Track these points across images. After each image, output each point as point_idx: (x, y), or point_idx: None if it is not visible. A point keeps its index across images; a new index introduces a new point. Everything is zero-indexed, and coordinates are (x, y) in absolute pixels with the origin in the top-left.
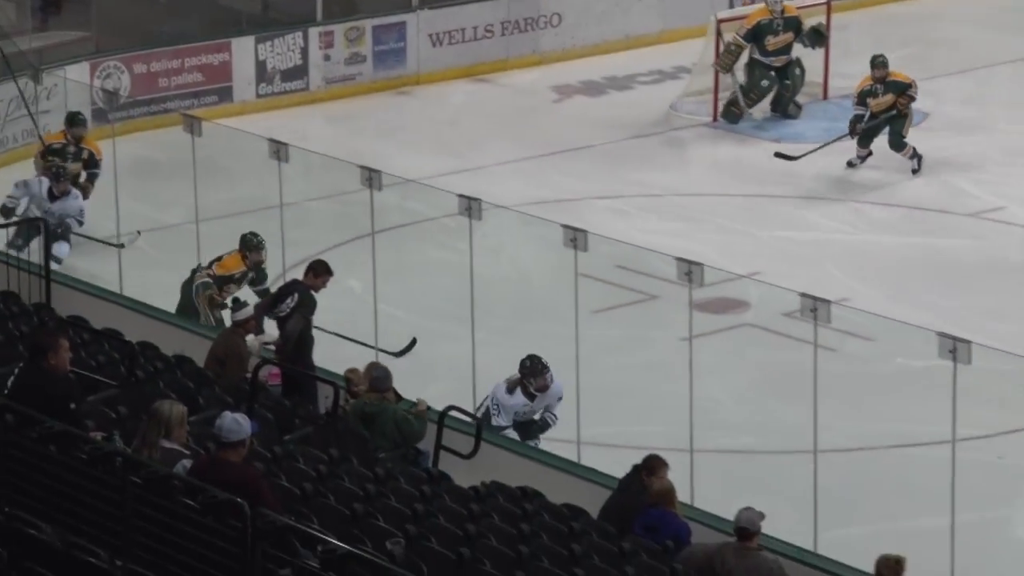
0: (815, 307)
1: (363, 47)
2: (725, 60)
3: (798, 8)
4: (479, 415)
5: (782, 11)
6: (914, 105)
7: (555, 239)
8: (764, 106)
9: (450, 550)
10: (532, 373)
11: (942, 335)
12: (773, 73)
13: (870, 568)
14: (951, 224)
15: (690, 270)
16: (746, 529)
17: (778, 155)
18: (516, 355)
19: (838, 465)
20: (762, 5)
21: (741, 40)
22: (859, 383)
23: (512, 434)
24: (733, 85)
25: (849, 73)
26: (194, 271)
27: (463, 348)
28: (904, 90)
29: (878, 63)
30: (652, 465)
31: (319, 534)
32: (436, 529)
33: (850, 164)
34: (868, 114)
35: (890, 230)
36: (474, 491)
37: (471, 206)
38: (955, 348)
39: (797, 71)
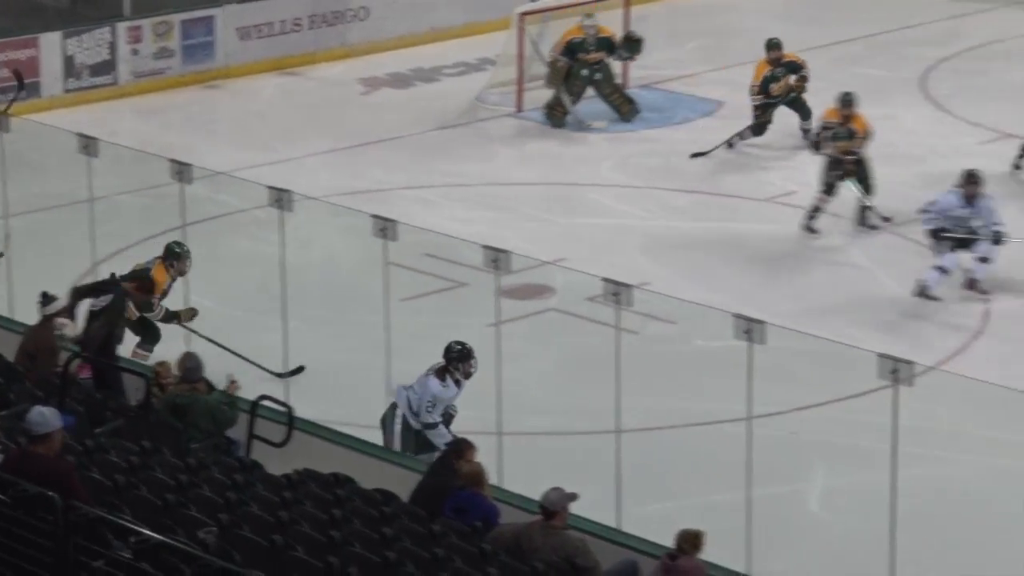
0: (617, 292)
1: (171, 41)
2: (553, 79)
3: (594, 1)
4: (398, 420)
5: (596, 31)
6: (709, 95)
7: (364, 229)
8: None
9: (263, 537)
10: (462, 358)
11: (737, 316)
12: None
13: (671, 543)
14: (746, 209)
15: (497, 258)
16: (551, 509)
17: (695, 155)
18: (328, 343)
19: (641, 444)
20: (575, 24)
21: (560, 58)
22: (661, 364)
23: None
24: (559, 92)
25: (646, 63)
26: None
27: (276, 337)
28: (798, 70)
29: (773, 45)
30: (461, 448)
31: (132, 525)
32: (249, 517)
33: (730, 145)
34: (768, 103)
35: (687, 216)
36: (286, 479)
37: (281, 197)
38: (750, 329)
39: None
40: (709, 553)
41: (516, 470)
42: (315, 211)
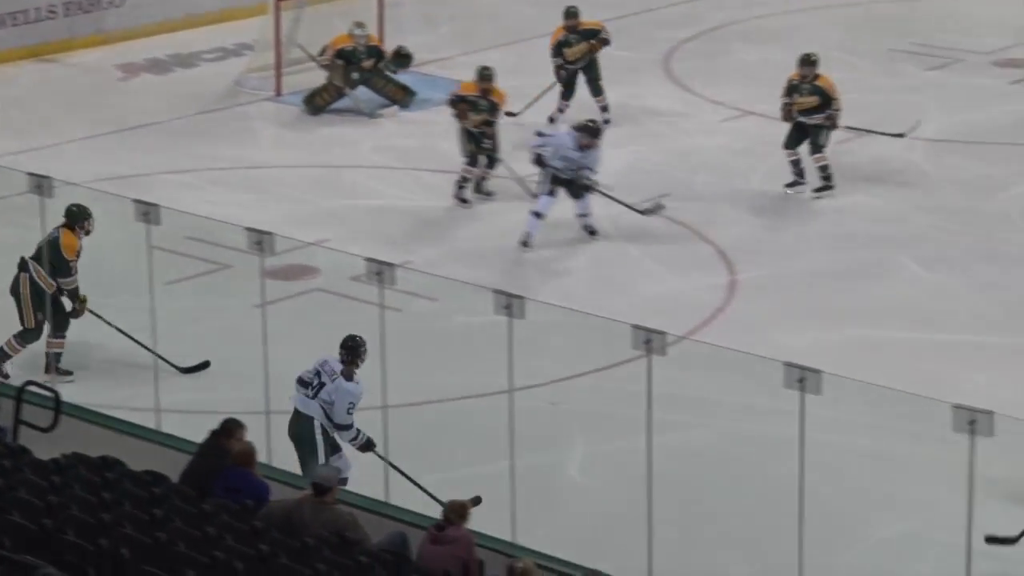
0: (380, 271)
1: None
2: (335, 75)
3: None
4: (318, 431)
5: (366, 40)
6: (463, 77)
7: (127, 214)
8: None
9: (32, 522)
10: (358, 354)
11: (497, 292)
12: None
13: (437, 514)
14: (504, 187)
15: (260, 239)
16: (321, 485)
17: (509, 114)
18: (94, 327)
19: (408, 419)
20: (345, 33)
21: (336, 60)
22: (425, 341)
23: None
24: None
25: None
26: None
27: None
28: (595, 35)
29: (571, 13)
30: (230, 428)
31: None
32: (17, 503)
33: (551, 120)
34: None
35: (446, 195)
36: (54, 463)
37: (41, 184)
38: (510, 304)
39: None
40: (475, 522)
41: (285, 449)
42: (76, 197)
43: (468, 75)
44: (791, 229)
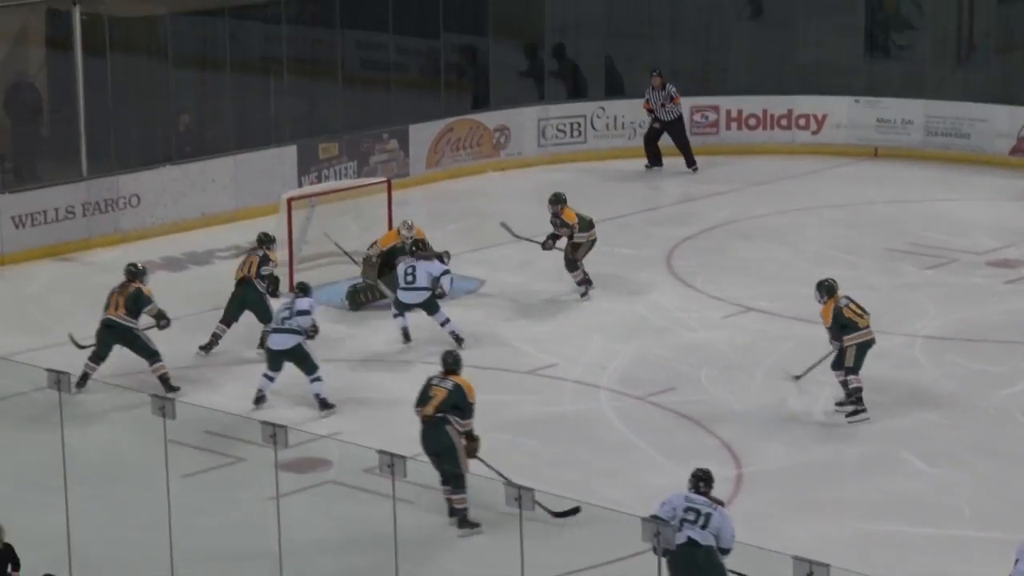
0: (392, 462)
1: None
2: (367, 271)
3: (356, 187)
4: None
5: (412, 236)
6: (471, 273)
7: (144, 408)
8: None
9: None
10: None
11: (507, 483)
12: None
13: None
14: (510, 381)
15: (274, 432)
16: None
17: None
18: (110, 520)
19: None
20: (394, 230)
21: (374, 255)
22: (437, 533)
23: None
24: (372, 281)
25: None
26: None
27: (60, 518)
28: (570, 230)
29: (556, 199)
30: None
31: None
32: None
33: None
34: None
35: None
36: None
37: (60, 380)
38: (520, 496)
39: None
40: None
41: None
42: (96, 392)
43: (480, 271)
44: (796, 423)
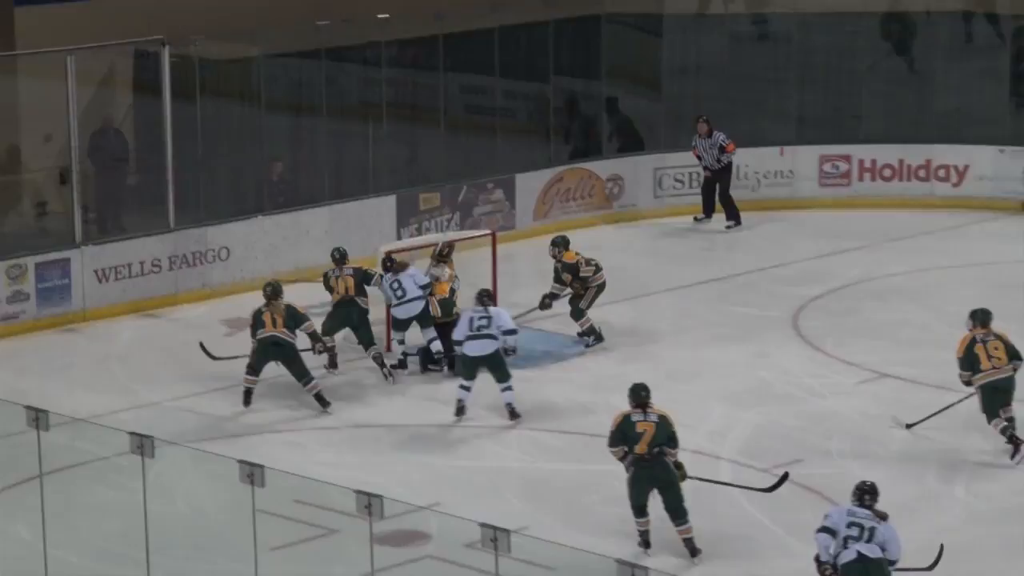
0: (495, 537)
1: (25, 284)
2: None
3: (460, 240)
4: None
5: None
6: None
7: (231, 475)
8: None
9: None
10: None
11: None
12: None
13: None
14: None
15: (369, 502)
16: None
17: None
18: None
19: None
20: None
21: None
22: None
23: None
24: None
25: (519, 302)
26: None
27: None
28: (575, 272)
29: (557, 242)
30: None
31: None
32: None
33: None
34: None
35: (566, 457)
36: None
37: (143, 444)
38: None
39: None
40: None
41: None
42: (178, 457)
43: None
44: (935, 498)
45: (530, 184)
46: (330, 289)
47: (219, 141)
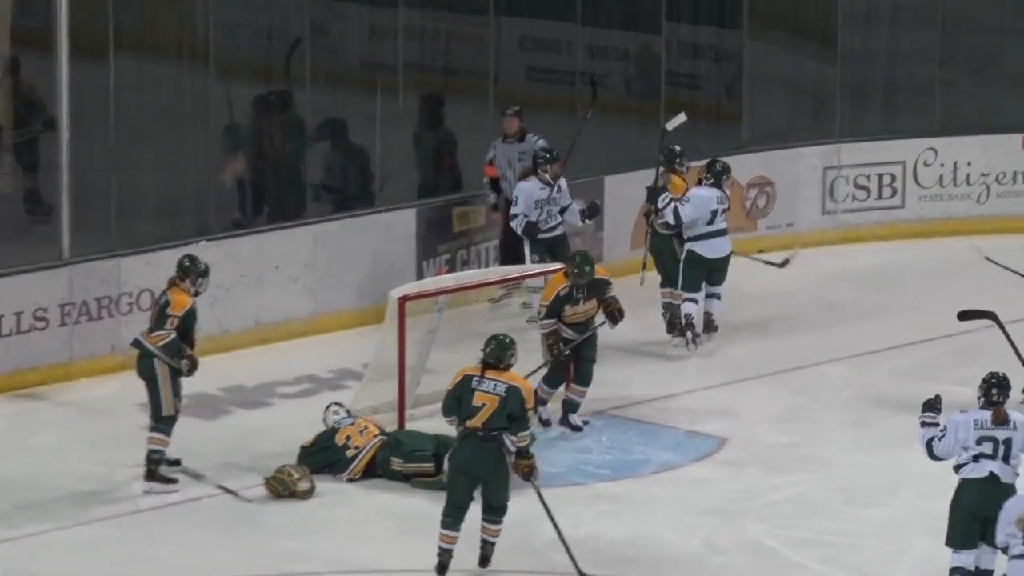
0: None
1: None
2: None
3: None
4: None
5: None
6: (712, 424)
7: None
8: None
9: None
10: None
11: None
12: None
13: None
14: None
15: None
16: None
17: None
18: None
19: None
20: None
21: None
22: None
23: None
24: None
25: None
26: None
27: None
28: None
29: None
30: None
31: None
32: None
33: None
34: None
35: None
36: None
37: None
38: None
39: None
40: None
41: None
42: None
43: (722, 424)
44: None
45: (627, 191)
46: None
47: (142, 124)
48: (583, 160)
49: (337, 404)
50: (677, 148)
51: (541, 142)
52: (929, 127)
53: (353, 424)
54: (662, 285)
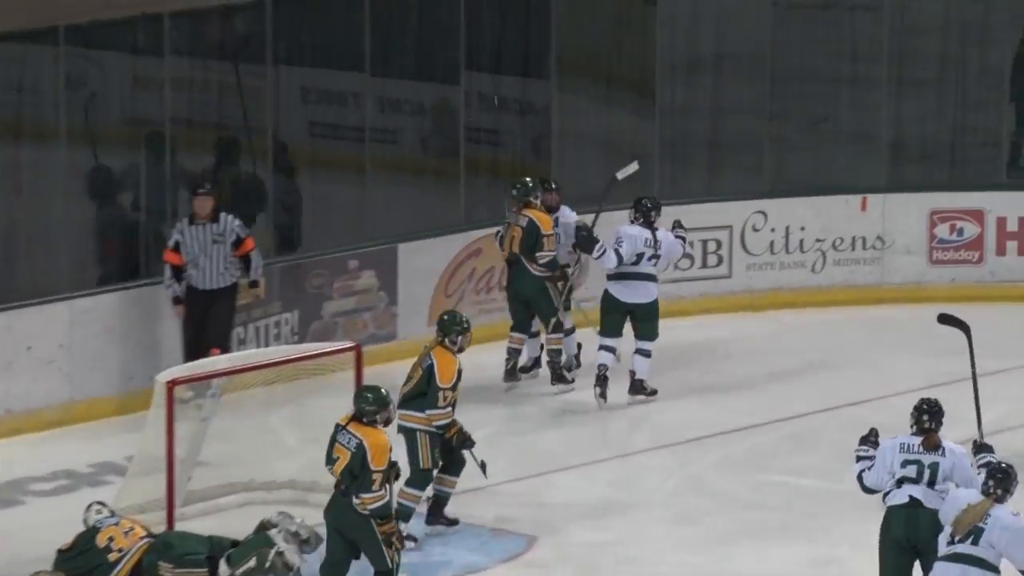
0: None
1: None
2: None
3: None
4: None
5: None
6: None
7: None
8: None
9: None
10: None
11: None
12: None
13: None
14: None
15: None
16: None
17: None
18: None
19: None
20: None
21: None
22: None
23: None
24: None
25: None
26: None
27: None
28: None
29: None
30: None
31: None
32: None
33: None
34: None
35: None
36: None
37: None
38: None
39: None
40: None
41: None
42: None
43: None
44: None
45: (425, 261)
46: None
47: None
48: (371, 225)
49: (99, 503)
50: (529, 180)
51: (237, 221)
52: (758, 188)
53: (117, 524)
54: (512, 329)
